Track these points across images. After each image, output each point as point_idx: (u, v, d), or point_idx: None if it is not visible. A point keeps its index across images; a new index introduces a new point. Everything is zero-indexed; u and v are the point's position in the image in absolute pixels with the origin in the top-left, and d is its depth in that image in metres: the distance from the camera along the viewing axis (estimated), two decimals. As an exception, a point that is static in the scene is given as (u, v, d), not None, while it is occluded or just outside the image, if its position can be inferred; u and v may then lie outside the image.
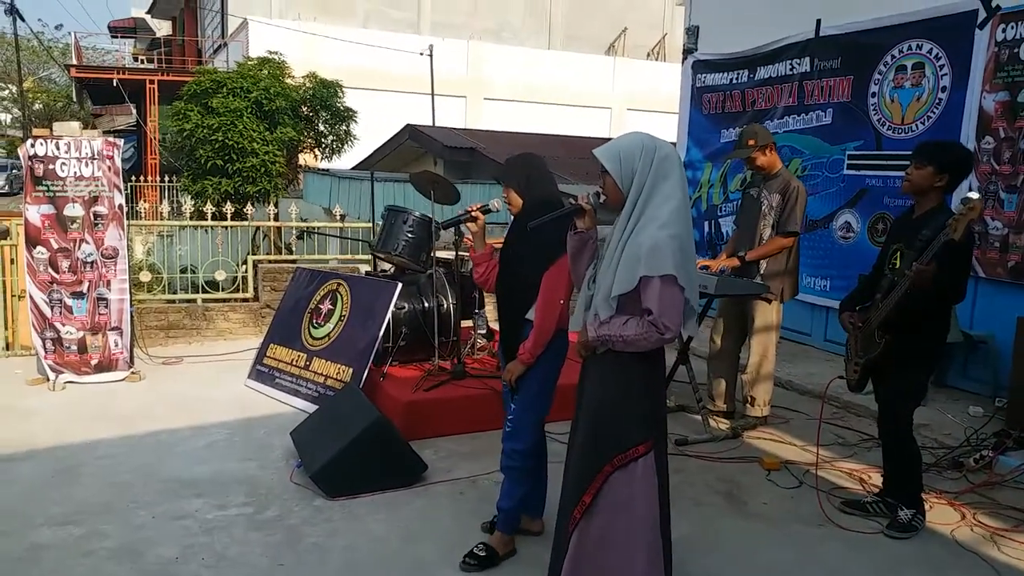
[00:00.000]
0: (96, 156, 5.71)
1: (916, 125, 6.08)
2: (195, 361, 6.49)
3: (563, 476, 2.82)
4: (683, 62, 8.53)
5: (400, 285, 5.23)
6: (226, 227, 7.72)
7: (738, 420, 5.05)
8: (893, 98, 6.24)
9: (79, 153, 5.67)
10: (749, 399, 5.01)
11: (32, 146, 5.59)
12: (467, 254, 5.76)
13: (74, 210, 5.70)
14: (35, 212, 5.62)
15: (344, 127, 14.14)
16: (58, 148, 5.62)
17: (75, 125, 5.76)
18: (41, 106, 36.70)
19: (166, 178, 17.37)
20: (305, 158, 14.95)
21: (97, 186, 5.73)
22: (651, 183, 2.54)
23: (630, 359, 2.57)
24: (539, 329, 3.06)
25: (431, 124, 17.81)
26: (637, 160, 2.55)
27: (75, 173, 5.67)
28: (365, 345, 5.15)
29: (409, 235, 5.38)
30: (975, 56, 5.64)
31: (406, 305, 5.42)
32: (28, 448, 4.53)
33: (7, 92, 40.48)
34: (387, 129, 16.00)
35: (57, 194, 5.66)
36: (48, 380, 5.68)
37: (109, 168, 5.75)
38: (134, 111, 21.84)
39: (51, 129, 5.68)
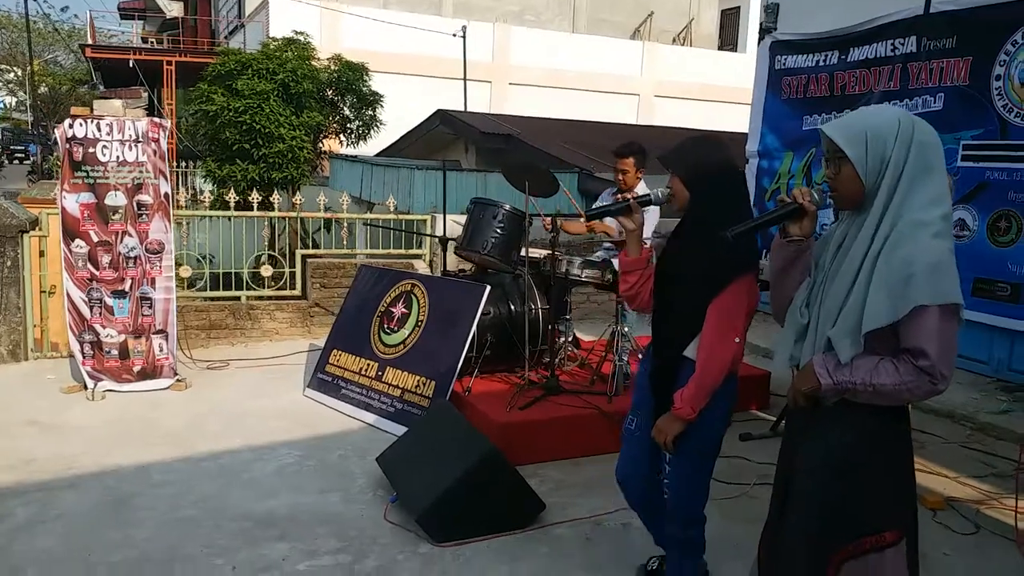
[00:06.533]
0: (141, 138, 5.08)
1: (1050, 112, 5.45)
2: (242, 366, 5.89)
3: (758, 564, 2.22)
4: (759, 42, 7.90)
5: (488, 288, 4.63)
6: (272, 217, 7.11)
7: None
8: (1023, 81, 5.60)
9: (122, 135, 5.03)
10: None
11: (71, 127, 4.94)
12: (566, 255, 5.20)
13: (116, 199, 5.08)
14: (74, 201, 5.00)
15: (370, 112, 13.49)
16: (99, 129, 4.97)
17: (117, 104, 5.23)
18: (46, 89, 35.93)
19: (182, 164, 16.68)
20: (329, 143, 14.29)
21: (141, 172, 5.11)
22: (909, 175, 1.89)
23: (875, 413, 1.94)
24: (704, 373, 2.38)
25: (462, 109, 17.10)
26: (891, 144, 1.89)
27: (118, 157, 5.05)
28: (449, 355, 4.55)
29: (499, 231, 4.74)
30: None
31: (491, 310, 4.81)
32: (71, 473, 3.96)
33: (12, 75, 39.78)
34: (410, 114, 15.31)
35: (98, 181, 5.04)
36: (85, 388, 5.09)
37: (154, 152, 5.13)
38: (145, 94, 21.09)
39: (91, 108, 5.05)
